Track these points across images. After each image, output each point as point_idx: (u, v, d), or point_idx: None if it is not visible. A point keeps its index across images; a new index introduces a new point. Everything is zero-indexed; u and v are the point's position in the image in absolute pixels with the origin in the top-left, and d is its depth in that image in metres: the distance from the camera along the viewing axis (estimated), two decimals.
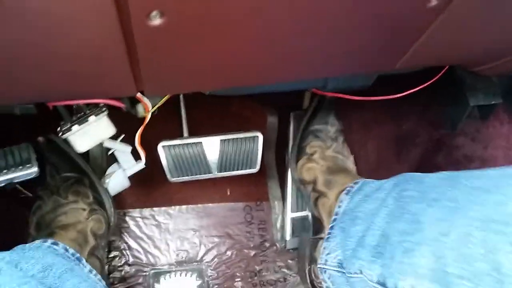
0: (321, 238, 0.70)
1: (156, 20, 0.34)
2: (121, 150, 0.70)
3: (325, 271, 0.66)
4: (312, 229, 0.74)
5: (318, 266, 0.67)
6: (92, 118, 0.62)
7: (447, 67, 0.72)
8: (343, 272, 0.61)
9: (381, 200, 0.59)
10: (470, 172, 0.50)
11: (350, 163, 0.79)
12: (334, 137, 0.79)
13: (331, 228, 0.67)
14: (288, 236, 0.85)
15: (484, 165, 0.82)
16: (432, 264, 0.45)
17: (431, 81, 0.72)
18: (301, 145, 0.80)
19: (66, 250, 0.61)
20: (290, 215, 0.84)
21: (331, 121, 0.80)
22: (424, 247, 0.47)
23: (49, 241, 0.61)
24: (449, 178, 0.52)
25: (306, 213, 0.80)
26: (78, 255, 0.62)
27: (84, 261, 0.63)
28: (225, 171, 0.75)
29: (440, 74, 0.72)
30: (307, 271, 0.73)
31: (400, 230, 0.52)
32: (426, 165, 0.91)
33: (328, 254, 0.65)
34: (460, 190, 0.48)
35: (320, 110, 0.81)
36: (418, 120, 0.92)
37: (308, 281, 0.73)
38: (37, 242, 0.60)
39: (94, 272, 0.64)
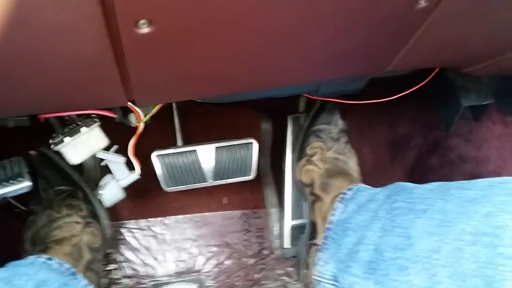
0: (314, 244, 0.70)
1: (144, 29, 0.34)
2: (115, 161, 0.69)
3: (319, 283, 0.65)
4: (308, 233, 0.74)
5: (314, 278, 0.67)
6: (84, 129, 0.61)
7: (438, 68, 0.72)
8: (337, 286, 0.61)
9: (373, 211, 0.59)
10: (460, 183, 0.50)
11: (352, 164, 0.78)
12: (336, 138, 0.78)
13: (325, 238, 0.67)
14: (286, 245, 0.84)
15: (478, 165, 0.82)
16: (426, 283, 0.45)
17: (423, 83, 0.72)
18: (302, 146, 0.80)
19: (61, 265, 0.60)
20: (289, 223, 0.83)
21: (334, 121, 0.79)
22: (418, 265, 0.47)
23: (43, 256, 0.60)
24: (438, 189, 0.52)
25: (305, 220, 0.79)
26: (73, 269, 0.61)
27: (79, 275, 0.62)
28: (221, 179, 0.74)
29: (431, 76, 0.72)
30: (302, 275, 0.73)
31: (393, 245, 0.52)
32: (421, 167, 0.91)
33: (322, 266, 0.65)
34: (450, 202, 0.48)
35: (324, 110, 0.80)
36: (412, 122, 0.92)
37: (303, 284, 0.73)
38: (31, 257, 0.59)
39: (91, 286, 0.63)
